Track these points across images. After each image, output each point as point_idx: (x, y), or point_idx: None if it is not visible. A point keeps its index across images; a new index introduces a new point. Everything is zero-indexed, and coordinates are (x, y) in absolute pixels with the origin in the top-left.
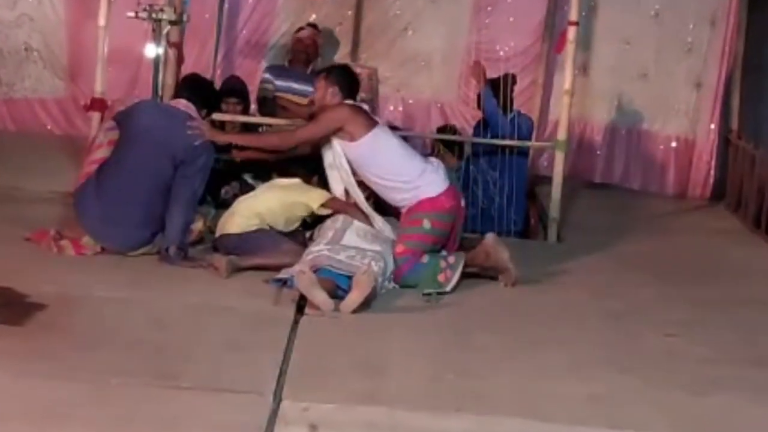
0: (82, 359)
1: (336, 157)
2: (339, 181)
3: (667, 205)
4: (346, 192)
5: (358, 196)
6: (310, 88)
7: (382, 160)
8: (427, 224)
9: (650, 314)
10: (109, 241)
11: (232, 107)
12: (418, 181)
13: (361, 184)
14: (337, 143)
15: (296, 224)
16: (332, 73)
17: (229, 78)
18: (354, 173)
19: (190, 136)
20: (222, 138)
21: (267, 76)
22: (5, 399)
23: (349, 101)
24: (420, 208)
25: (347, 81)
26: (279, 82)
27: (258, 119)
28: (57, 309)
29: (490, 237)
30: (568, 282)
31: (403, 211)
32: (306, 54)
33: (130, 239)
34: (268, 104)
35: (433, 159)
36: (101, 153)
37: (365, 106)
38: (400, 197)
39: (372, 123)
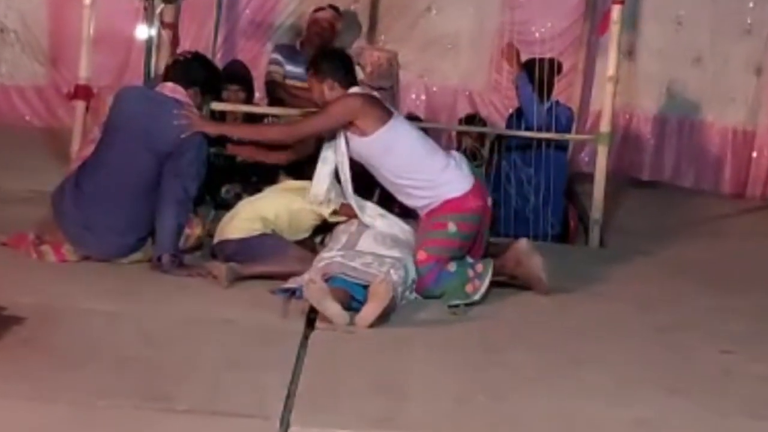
0: (65, 379)
1: (336, 151)
2: (326, 176)
3: (723, 206)
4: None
5: (347, 188)
6: None
7: (399, 157)
8: (452, 227)
9: (704, 328)
10: (89, 249)
11: (234, 95)
12: (440, 178)
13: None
14: (342, 139)
15: (304, 235)
16: (319, 66)
17: (231, 62)
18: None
19: (175, 126)
20: (212, 129)
21: (277, 56)
22: None
23: (356, 89)
24: (444, 210)
25: (339, 67)
26: (289, 67)
27: (263, 109)
28: (37, 323)
29: (522, 242)
30: (611, 292)
31: (423, 213)
32: (321, 38)
33: (114, 248)
34: (278, 90)
35: (455, 153)
36: (88, 150)
37: (375, 93)
38: (420, 198)
39: (387, 114)
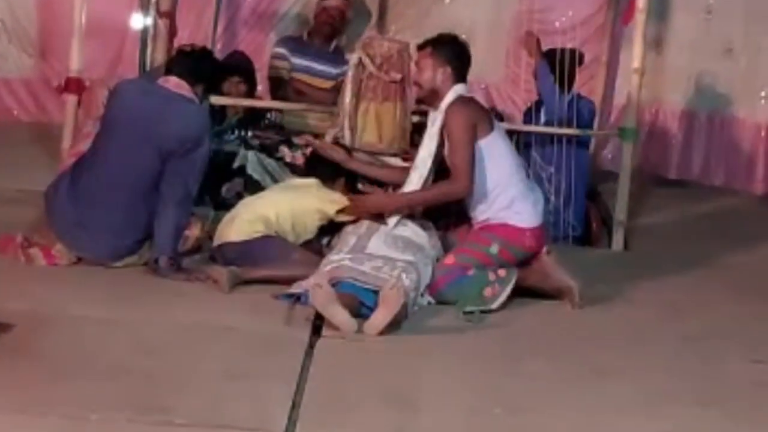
0: (55, 390)
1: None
2: (416, 184)
3: (755, 206)
4: None
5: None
6: (332, 70)
7: (489, 170)
8: (494, 249)
9: (735, 336)
10: (85, 250)
11: (235, 87)
12: (512, 207)
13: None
14: (425, 146)
15: (309, 236)
16: (441, 48)
17: (232, 54)
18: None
19: (180, 123)
20: (390, 208)
21: (281, 50)
22: None
23: (461, 87)
24: (496, 230)
25: (460, 58)
26: (296, 60)
27: (266, 103)
28: (26, 330)
29: (545, 253)
30: (636, 298)
31: (477, 226)
32: (331, 27)
33: (110, 249)
34: (284, 86)
35: (537, 188)
36: (85, 145)
37: (480, 99)
38: (483, 213)
39: (492, 122)
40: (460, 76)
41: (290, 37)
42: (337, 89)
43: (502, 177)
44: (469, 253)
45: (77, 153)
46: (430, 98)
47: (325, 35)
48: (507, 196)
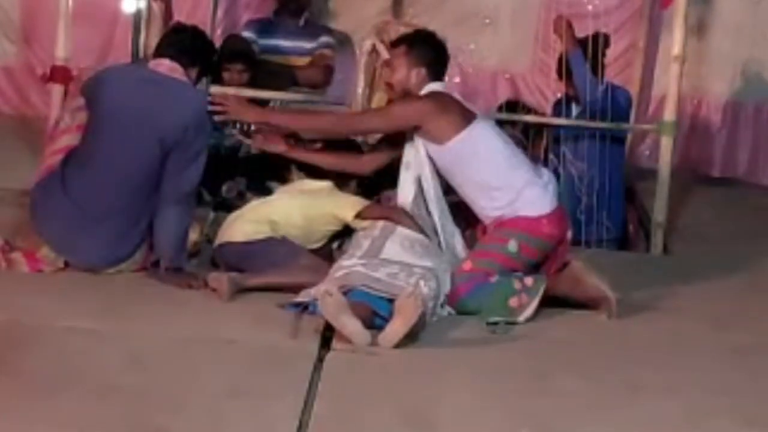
0: (39, 409)
1: (415, 155)
2: (411, 184)
3: None
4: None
5: (429, 197)
6: (306, 44)
7: (475, 170)
8: (513, 246)
9: None
10: (77, 255)
11: (237, 76)
12: (519, 198)
13: None
14: (421, 144)
15: (320, 243)
16: (416, 47)
17: (230, 38)
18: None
19: (180, 110)
20: (255, 117)
21: (247, 35)
22: None
23: (436, 85)
24: (511, 225)
25: (436, 58)
26: (263, 41)
27: (272, 94)
28: (7, 343)
29: (575, 261)
30: (677, 307)
31: (491, 224)
32: (296, 2)
33: (107, 255)
34: (260, 72)
35: (545, 171)
36: (68, 140)
37: (456, 95)
38: (491, 209)
39: (464, 120)
40: (436, 75)
41: (255, 19)
42: (315, 64)
43: (499, 170)
44: (487, 257)
45: (59, 150)
46: None
47: (292, 10)
48: (512, 188)
